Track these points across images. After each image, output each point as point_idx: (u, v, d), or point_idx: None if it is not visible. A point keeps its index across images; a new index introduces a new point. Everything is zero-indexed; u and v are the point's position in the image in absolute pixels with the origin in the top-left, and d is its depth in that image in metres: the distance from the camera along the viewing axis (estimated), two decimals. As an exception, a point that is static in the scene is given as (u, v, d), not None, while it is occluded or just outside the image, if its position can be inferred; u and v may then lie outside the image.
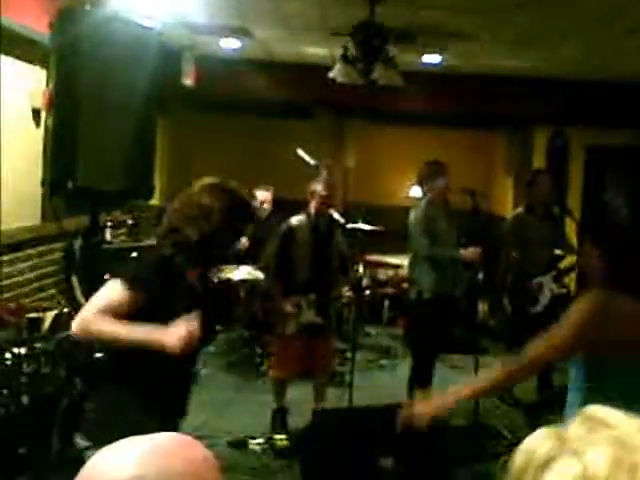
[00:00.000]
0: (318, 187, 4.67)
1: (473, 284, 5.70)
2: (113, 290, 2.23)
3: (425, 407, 2.36)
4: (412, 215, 5.14)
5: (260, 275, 5.68)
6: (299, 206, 4.84)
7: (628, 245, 2.35)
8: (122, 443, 0.87)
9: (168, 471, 0.82)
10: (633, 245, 2.35)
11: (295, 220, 4.70)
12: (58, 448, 3.28)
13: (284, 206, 6.53)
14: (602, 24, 4.92)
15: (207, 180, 2.53)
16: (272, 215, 6.58)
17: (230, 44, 6.26)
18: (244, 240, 6.68)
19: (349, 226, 6.34)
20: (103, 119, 3.15)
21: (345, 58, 5.22)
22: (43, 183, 3.19)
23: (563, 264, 5.45)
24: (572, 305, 2.29)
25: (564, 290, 5.38)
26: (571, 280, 5.81)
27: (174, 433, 0.90)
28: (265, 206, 6.71)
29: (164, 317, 2.22)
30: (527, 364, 2.33)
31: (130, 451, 0.85)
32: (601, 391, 2.21)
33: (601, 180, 8.29)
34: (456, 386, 2.45)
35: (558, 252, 5.51)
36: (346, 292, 5.09)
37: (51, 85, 3.12)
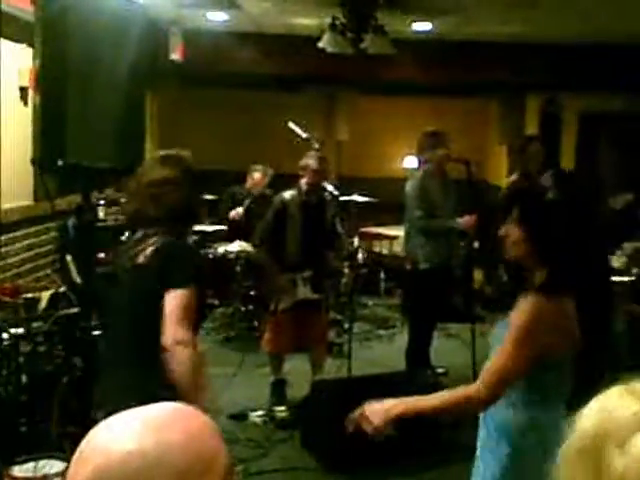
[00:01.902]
0: (310, 161, 4.64)
1: (469, 253, 5.71)
2: (185, 298, 2.23)
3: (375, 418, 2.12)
4: (408, 186, 5.12)
5: (252, 249, 5.68)
6: (291, 180, 4.82)
7: (552, 223, 2.20)
8: (120, 416, 0.87)
9: (167, 444, 0.82)
10: (557, 223, 2.21)
11: (288, 195, 4.68)
12: (58, 426, 3.30)
13: (276, 180, 6.50)
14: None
15: (158, 153, 2.54)
16: (266, 194, 6.52)
17: (217, 17, 6.18)
18: (237, 210, 6.54)
19: (343, 199, 6.34)
20: (90, 95, 3.11)
21: (334, 27, 5.17)
22: (33, 162, 3.17)
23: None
24: (514, 314, 2.13)
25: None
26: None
27: (172, 403, 0.89)
28: (258, 188, 6.60)
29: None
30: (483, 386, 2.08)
31: (128, 425, 0.84)
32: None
33: (594, 146, 8.27)
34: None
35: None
36: (344, 268, 5.08)
37: (37, 62, 3.08)
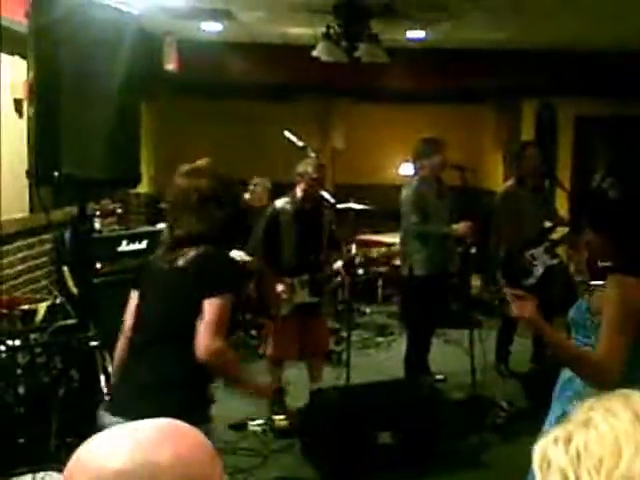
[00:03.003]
0: (309, 169, 4.63)
1: (466, 259, 5.71)
2: (222, 307, 2.31)
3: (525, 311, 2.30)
4: (404, 193, 5.13)
5: (248, 258, 5.66)
6: (287, 189, 4.82)
7: (627, 224, 2.42)
8: (109, 433, 0.86)
9: (154, 465, 0.80)
10: (631, 222, 2.42)
11: (280, 203, 4.67)
12: (57, 438, 3.28)
13: (272, 189, 6.50)
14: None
15: (198, 165, 2.56)
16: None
17: (212, 27, 6.20)
18: None
19: (340, 206, 6.33)
20: (85, 106, 3.12)
21: (328, 36, 5.19)
22: (28, 174, 3.17)
23: (554, 235, 5.47)
24: (604, 297, 2.28)
25: (556, 261, 5.40)
26: (563, 251, 5.83)
27: (164, 420, 0.87)
28: (259, 203, 6.49)
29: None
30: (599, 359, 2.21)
31: (116, 443, 0.83)
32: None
33: (590, 151, 8.30)
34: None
35: (548, 224, 5.52)
36: (340, 267, 5.06)
37: (31, 74, 3.08)
